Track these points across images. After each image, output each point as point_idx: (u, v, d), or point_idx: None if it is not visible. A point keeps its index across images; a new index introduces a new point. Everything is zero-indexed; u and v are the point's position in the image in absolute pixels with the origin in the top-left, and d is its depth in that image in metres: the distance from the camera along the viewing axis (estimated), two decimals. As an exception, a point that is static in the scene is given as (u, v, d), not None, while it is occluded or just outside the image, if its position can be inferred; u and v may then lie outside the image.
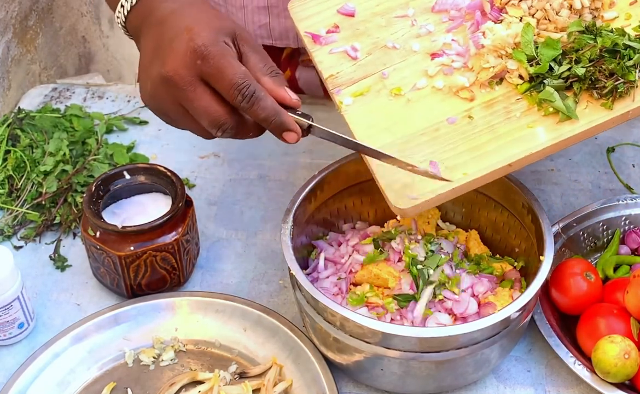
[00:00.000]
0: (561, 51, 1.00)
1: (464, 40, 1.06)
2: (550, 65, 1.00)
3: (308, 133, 0.99)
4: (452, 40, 1.06)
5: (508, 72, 1.02)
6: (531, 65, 1.00)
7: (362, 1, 1.11)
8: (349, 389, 1.05)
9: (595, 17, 1.05)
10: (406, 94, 1.03)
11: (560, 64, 1.00)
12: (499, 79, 1.02)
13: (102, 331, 1.09)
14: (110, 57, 2.00)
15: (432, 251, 1.07)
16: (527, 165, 0.97)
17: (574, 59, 1.00)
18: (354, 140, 1.00)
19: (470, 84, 1.02)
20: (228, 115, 0.94)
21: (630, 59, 0.98)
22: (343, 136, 0.98)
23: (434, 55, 1.05)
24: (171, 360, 1.08)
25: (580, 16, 1.04)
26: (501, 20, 1.06)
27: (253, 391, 1.03)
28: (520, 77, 1.01)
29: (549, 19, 1.05)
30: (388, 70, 1.05)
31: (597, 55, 0.99)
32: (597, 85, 0.99)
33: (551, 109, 0.98)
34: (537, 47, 1.01)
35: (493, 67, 1.02)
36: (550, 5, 1.04)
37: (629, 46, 0.99)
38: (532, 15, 1.06)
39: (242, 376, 1.06)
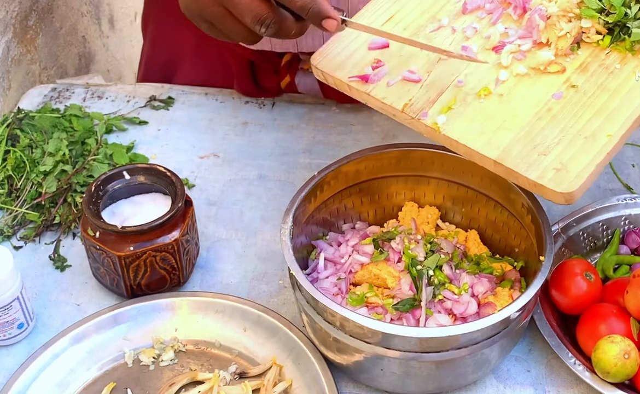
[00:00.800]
0: None
1: (517, 25, 1.05)
2: (624, 12, 1.00)
3: (344, 27, 0.99)
4: (505, 28, 1.05)
5: (584, 32, 1.01)
6: (607, 16, 1.00)
7: (388, 31, 1.06)
8: (348, 390, 1.05)
9: None
10: (494, 91, 1.00)
11: (629, 7, 1.00)
12: (576, 42, 1.01)
13: (101, 331, 1.09)
14: (110, 57, 2.00)
15: (432, 252, 1.07)
16: None
17: None
18: (385, 31, 1.01)
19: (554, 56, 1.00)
20: (270, 9, 0.97)
21: None
22: (375, 28, 1.00)
23: (496, 49, 1.04)
24: (171, 360, 1.08)
25: None
26: None
27: (253, 391, 1.03)
28: (597, 32, 1.01)
29: None
30: (461, 78, 1.02)
31: None
32: None
33: None
34: (600, 1, 1.02)
35: (569, 32, 1.00)
36: None
37: None
38: None
39: (242, 376, 1.06)
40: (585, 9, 1.02)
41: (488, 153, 0.94)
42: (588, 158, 0.92)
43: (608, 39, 1.01)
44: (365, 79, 1.03)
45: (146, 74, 1.55)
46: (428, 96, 1.00)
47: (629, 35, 0.99)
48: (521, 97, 0.99)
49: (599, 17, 1.01)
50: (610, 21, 1.00)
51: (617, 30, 1.01)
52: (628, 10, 1.00)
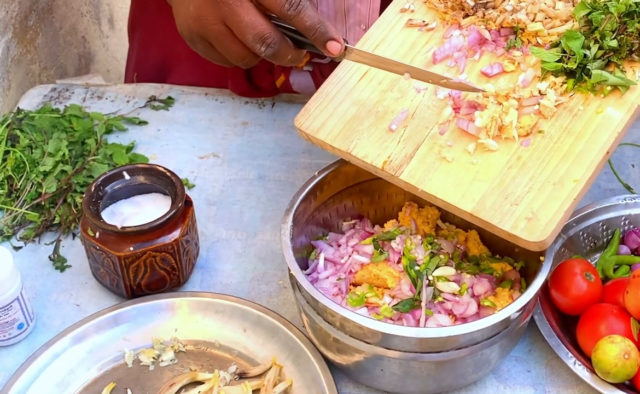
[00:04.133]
0: (583, 37, 1.03)
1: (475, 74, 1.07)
2: (583, 54, 1.02)
3: (345, 54, 1.02)
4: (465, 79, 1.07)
5: (551, 87, 1.03)
6: (567, 62, 1.02)
7: (364, 87, 1.10)
8: (348, 390, 1.05)
9: None
10: (468, 147, 1.02)
11: (588, 48, 1.02)
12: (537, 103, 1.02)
13: (101, 331, 1.09)
14: (110, 57, 2.00)
15: (433, 253, 1.06)
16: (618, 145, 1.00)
17: (598, 38, 1.02)
18: (389, 59, 1.02)
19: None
20: (272, 29, 0.99)
21: None
22: (377, 56, 1.02)
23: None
24: (171, 360, 1.08)
25: (572, 1, 1.07)
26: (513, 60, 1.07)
27: (253, 391, 1.03)
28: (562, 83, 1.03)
29: (550, 17, 1.07)
30: (436, 128, 1.04)
31: (617, 24, 1.02)
32: (633, 49, 1.02)
33: (608, 88, 1.01)
34: (558, 44, 1.04)
35: (522, 126, 1.01)
36: (545, 3, 1.07)
37: (638, 2, 1.02)
38: (534, 21, 1.07)
39: (242, 376, 1.06)
40: (545, 64, 1.04)
41: (464, 206, 0.98)
42: (557, 205, 0.95)
43: (571, 82, 1.03)
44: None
45: (137, 78, 1.54)
46: (406, 152, 1.03)
47: (590, 77, 1.01)
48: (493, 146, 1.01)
49: (563, 66, 1.03)
50: (572, 66, 1.02)
51: (578, 73, 1.03)
52: (587, 52, 1.02)
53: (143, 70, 1.54)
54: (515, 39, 1.08)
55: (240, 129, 1.41)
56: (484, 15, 1.10)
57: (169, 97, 1.47)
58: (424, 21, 1.13)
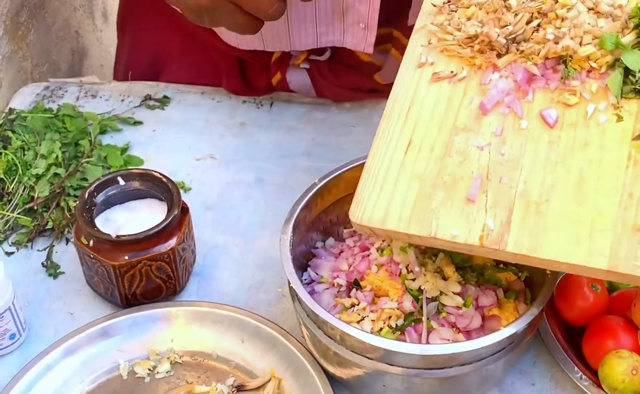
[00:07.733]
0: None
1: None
2: None
3: None
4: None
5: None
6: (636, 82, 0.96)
7: (414, 158, 0.95)
8: (349, 403, 1.03)
9: None
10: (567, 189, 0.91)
11: None
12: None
13: (95, 342, 1.06)
14: (104, 52, 1.97)
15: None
16: None
17: None
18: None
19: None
20: None
21: None
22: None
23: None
24: (167, 372, 1.06)
25: (611, 16, 0.99)
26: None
27: (251, 405, 1.01)
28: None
29: (597, 37, 0.98)
30: (521, 186, 0.92)
31: None
32: None
33: None
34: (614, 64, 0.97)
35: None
36: (588, 23, 0.98)
37: None
38: (581, 44, 0.98)
39: (240, 389, 1.03)
40: (613, 87, 0.96)
41: (596, 264, 0.86)
42: None
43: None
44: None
45: (130, 76, 1.51)
46: (500, 220, 0.90)
47: None
48: (595, 187, 0.91)
49: (633, 87, 0.95)
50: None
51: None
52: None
53: (135, 68, 1.51)
54: (567, 68, 0.98)
55: (238, 130, 1.38)
56: (518, 50, 0.99)
57: (165, 96, 1.44)
58: (452, 71, 1.00)
